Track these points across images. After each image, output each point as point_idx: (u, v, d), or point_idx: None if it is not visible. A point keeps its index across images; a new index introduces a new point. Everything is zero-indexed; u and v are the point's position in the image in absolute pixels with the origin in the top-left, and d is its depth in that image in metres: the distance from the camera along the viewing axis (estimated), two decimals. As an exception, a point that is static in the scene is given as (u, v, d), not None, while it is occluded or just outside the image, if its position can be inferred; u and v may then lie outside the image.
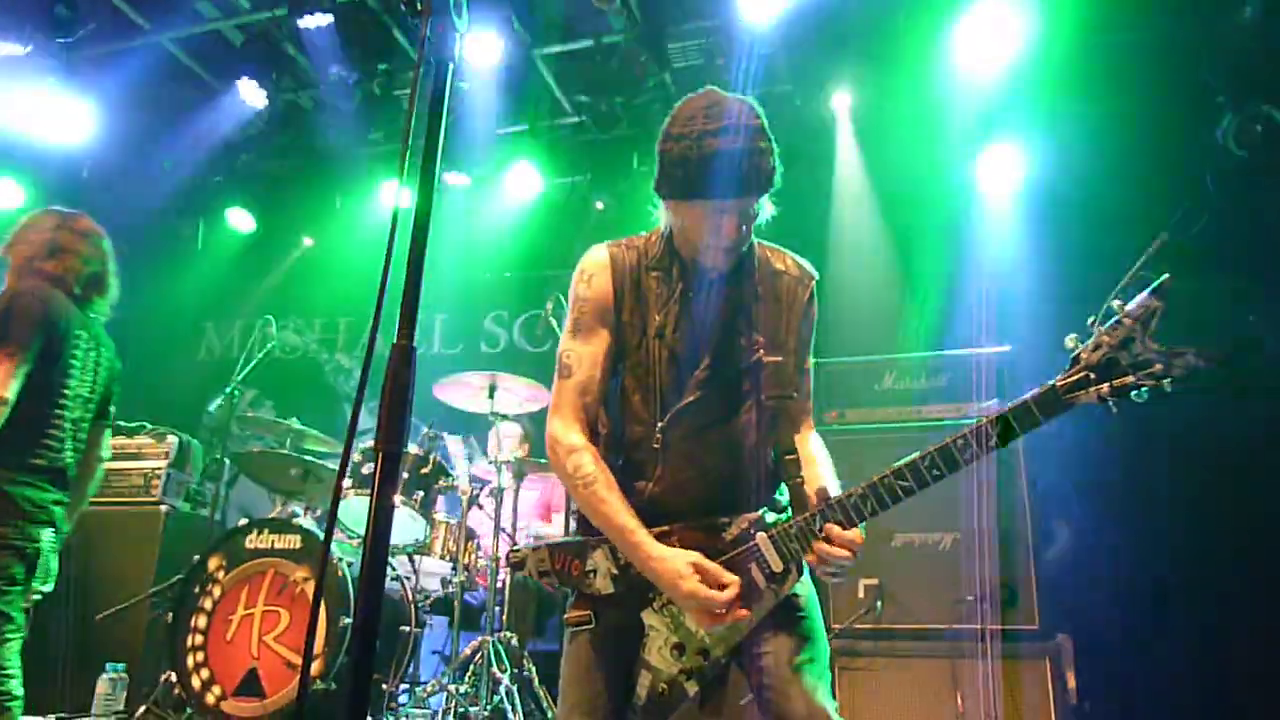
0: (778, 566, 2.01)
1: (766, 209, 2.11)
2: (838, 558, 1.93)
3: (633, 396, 2.16)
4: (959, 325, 5.08)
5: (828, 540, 1.94)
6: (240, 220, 7.50)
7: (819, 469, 2.17)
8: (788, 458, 2.12)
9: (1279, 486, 4.32)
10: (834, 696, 2.05)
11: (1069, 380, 1.85)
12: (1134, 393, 1.80)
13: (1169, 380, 1.77)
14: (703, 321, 2.16)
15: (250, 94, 6.11)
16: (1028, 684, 3.63)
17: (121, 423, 5.67)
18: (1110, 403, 1.82)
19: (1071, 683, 3.75)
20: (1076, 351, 1.86)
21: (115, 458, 5.40)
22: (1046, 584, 3.79)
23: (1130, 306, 1.81)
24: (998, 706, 3.58)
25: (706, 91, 2.12)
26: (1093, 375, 1.83)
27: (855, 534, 1.94)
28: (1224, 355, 1.75)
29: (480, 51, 5.63)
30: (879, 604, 3.88)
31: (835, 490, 2.02)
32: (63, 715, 4.44)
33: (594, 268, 2.21)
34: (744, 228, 2.09)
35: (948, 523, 3.89)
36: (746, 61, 5.46)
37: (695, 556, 1.98)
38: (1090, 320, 1.86)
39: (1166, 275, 1.79)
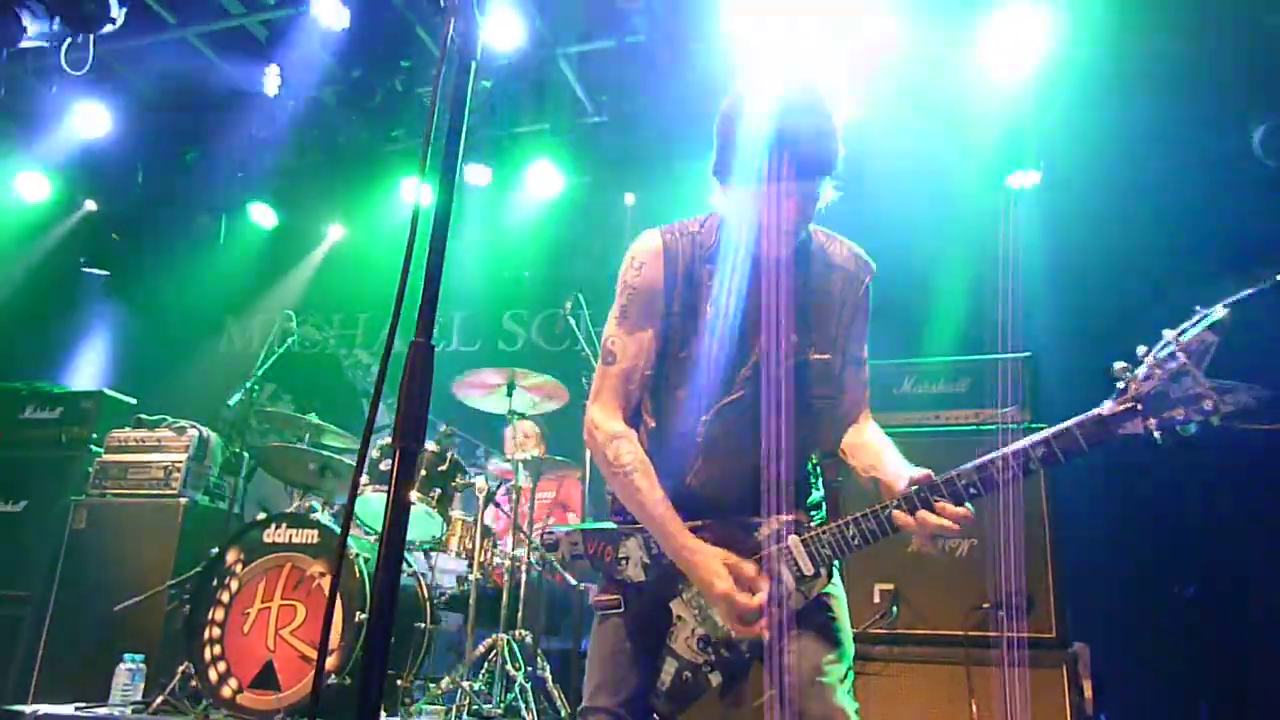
0: (809, 570, 2.01)
1: (828, 192, 2.06)
2: (934, 526, 1.92)
3: (677, 389, 2.14)
4: (980, 330, 5.05)
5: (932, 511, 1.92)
6: (262, 215, 7.56)
7: (885, 457, 2.13)
8: (827, 460, 2.12)
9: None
10: (855, 698, 2.04)
11: (1117, 410, 1.81)
12: (1180, 426, 1.76)
13: (1218, 416, 1.73)
14: (754, 316, 2.12)
15: (271, 83, 6.16)
16: (1043, 693, 3.59)
17: (143, 415, 5.74)
18: (1157, 436, 1.78)
19: (1088, 693, 3.71)
20: (1125, 381, 1.81)
21: (136, 450, 5.50)
22: (1064, 592, 3.75)
23: (1185, 340, 1.76)
24: (1012, 714, 3.56)
25: (770, 71, 2.06)
26: (1140, 406, 1.78)
27: (963, 509, 1.92)
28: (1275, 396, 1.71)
29: (503, 50, 5.64)
30: (894, 609, 3.87)
31: (908, 473, 1.99)
32: (81, 705, 4.48)
33: (645, 255, 2.17)
34: (805, 211, 2.05)
35: (965, 528, 3.85)
36: (768, 63, 5.44)
37: (731, 557, 1.98)
38: (1141, 350, 1.81)
39: (1225, 311, 1.74)
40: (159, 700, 4.28)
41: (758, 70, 2.09)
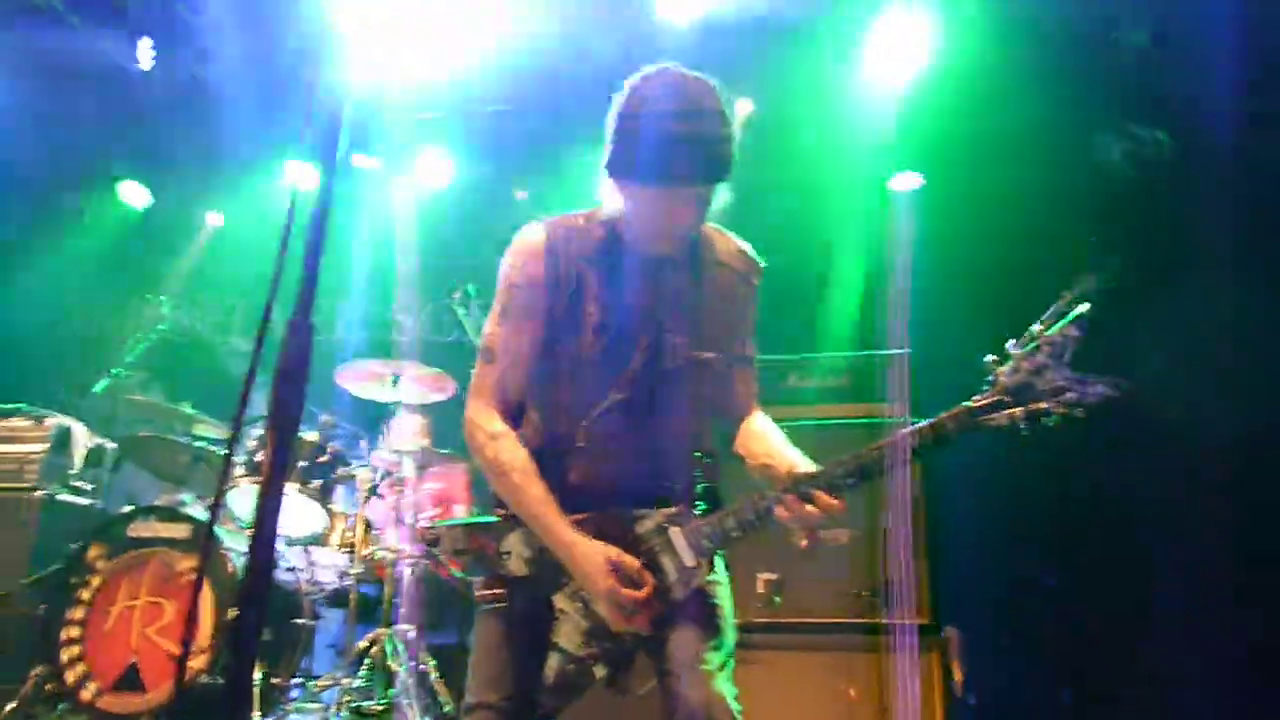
0: (690, 561, 2.03)
1: (721, 195, 2.05)
2: (809, 517, 1.94)
3: (560, 388, 2.12)
4: (860, 327, 5.20)
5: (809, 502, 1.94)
6: (133, 194, 7.16)
7: (776, 445, 2.16)
8: (706, 461, 2.13)
9: (1156, 480, 4.52)
10: (734, 685, 2.07)
11: (985, 402, 1.89)
12: (1044, 417, 1.85)
13: (1081, 408, 1.82)
14: (639, 316, 2.12)
15: (144, 55, 5.86)
16: (916, 677, 3.73)
17: (-5, 404, 5.37)
18: (1022, 426, 1.86)
19: (958, 675, 3.87)
20: (994, 374, 1.90)
21: (-13, 440, 5.14)
22: (936, 578, 3.90)
23: (1049, 334, 1.86)
24: (888, 698, 3.67)
25: (667, 69, 2.03)
26: (1008, 399, 1.87)
27: (836, 501, 1.94)
28: (1133, 386, 1.81)
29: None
30: (776, 599, 3.94)
31: (799, 461, 2.04)
32: (-80, 714, 4.18)
33: (526, 252, 2.13)
34: (698, 214, 2.04)
35: (846, 518, 3.96)
36: (663, 58, 5.46)
37: (614, 552, 1.98)
38: (1009, 343, 1.90)
39: (1085, 306, 1.84)
40: (10, 707, 4.02)
41: (655, 67, 2.06)
